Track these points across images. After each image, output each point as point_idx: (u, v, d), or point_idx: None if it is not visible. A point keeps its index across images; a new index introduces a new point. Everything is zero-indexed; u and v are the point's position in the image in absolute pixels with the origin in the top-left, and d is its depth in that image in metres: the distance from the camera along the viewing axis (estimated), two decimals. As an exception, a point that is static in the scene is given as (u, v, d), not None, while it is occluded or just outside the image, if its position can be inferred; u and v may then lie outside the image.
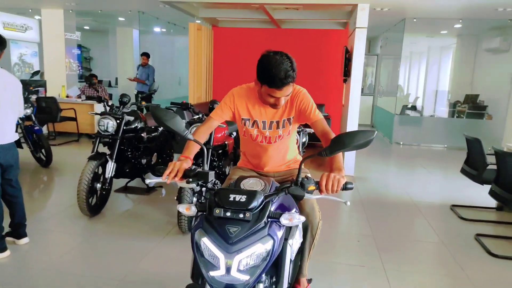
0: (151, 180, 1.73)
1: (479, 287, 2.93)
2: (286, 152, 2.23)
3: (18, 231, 3.26)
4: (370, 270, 3.11)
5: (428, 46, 12.43)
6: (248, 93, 2.06)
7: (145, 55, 9.02)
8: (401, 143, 9.13)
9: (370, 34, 11.67)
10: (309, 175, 1.72)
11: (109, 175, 3.98)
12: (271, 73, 1.74)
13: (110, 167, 3.98)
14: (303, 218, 1.51)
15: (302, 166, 1.66)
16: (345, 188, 1.58)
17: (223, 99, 2.09)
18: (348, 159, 5.87)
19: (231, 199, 1.44)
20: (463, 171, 4.53)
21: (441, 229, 4.03)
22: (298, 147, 4.41)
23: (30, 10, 9.53)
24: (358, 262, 3.26)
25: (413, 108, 11.31)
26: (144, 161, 4.54)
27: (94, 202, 3.94)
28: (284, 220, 1.46)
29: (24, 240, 3.28)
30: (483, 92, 9.83)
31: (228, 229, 1.39)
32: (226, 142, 4.26)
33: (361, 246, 3.58)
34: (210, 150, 3.88)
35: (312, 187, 1.55)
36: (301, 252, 2.04)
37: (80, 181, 3.69)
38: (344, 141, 1.49)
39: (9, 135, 3.02)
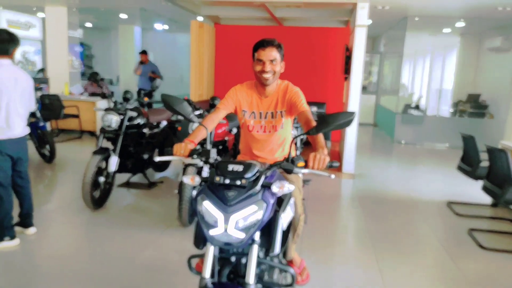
0: (161, 158, 1.97)
1: (467, 276, 3.02)
2: (280, 145, 2.35)
3: (26, 220, 3.38)
4: (363, 262, 3.21)
5: (432, 44, 12.47)
6: (247, 88, 2.34)
7: (143, 53, 9.11)
8: (403, 142, 9.19)
9: (373, 32, 11.73)
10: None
11: (112, 169, 4.09)
12: (260, 40, 2.19)
13: (113, 161, 4.08)
14: (292, 187, 1.67)
15: (293, 146, 1.84)
16: (330, 166, 1.75)
17: (227, 94, 2.35)
18: (348, 157, 5.94)
19: (230, 169, 1.64)
20: (459, 168, 4.61)
21: (436, 225, 4.11)
22: (295, 143, 4.50)
23: (34, 8, 9.64)
24: (352, 254, 3.36)
25: (417, 107, 11.36)
26: (146, 156, 4.64)
27: (98, 195, 4.05)
28: (275, 188, 1.63)
29: (32, 230, 3.39)
30: (485, 91, 9.87)
31: (226, 193, 1.58)
32: (226, 138, 4.36)
33: (356, 239, 3.67)
34: (211, 145, 3.98)
35: (301, 163, 1.71)
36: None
37: (84, 175, 3.79)
38: (328, 121, 1.68)
39: (19, 129, 3.14)
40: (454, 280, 2.99)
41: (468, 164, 4.42)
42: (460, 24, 8.90)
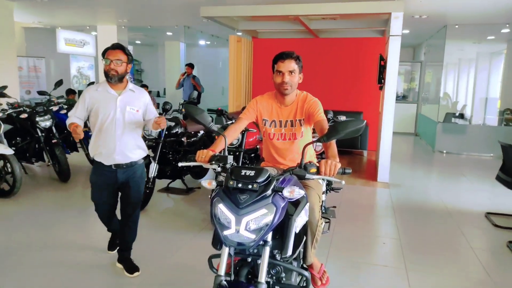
0: (184, 164, 2.12)
1: (502, 290, 2.93)
2: (301, 154, 2.45)
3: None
4: (392, 270, 3.21)
5: (476, 52, 12.01)
6: (268, 98, 2.49)
7: (189, 65, 9.54)
8: (444, 151, 8.90)
9: (413, 41, 11.53)
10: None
11: (152, 175, 4.38)
12: (279, 52, 2.35)
13: (153, 168, 4.37)
14: (302, 192, 1.76)
15: (305, 151, 1.88)
16: (343, 172, 1.83)
17: (248, 104, 2.50)
18: (383, 166, 5.90)
19: (243, 173, 1.74)
20: (498, 178, 4.45)
21: (472, 235, 4.00)
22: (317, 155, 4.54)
23: (87, 27, 10.45)
24: (381, 262, 3.37)
25: (461, 116, 10.95)
26: (184, 163, 4.90)
27: (138, 199, 4.34)
28: (286, 192, 1.72)
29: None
30: (535, 98, 9.37)
31: (239, 196, 1.69)
32: (257, 146, 4.52)
33: (386, 248, 3.67)
34: (242, 153, 4.16)
35: (313, 169, 1.80)
36: (304, 244, 2.22)
37: (126, 180, 4.09)
38: (337, 129, 1.76)
39: None
40: (486, 291, 2.91)
41: (508, 174, 4.27)
42: (506, 30, 8.55)
